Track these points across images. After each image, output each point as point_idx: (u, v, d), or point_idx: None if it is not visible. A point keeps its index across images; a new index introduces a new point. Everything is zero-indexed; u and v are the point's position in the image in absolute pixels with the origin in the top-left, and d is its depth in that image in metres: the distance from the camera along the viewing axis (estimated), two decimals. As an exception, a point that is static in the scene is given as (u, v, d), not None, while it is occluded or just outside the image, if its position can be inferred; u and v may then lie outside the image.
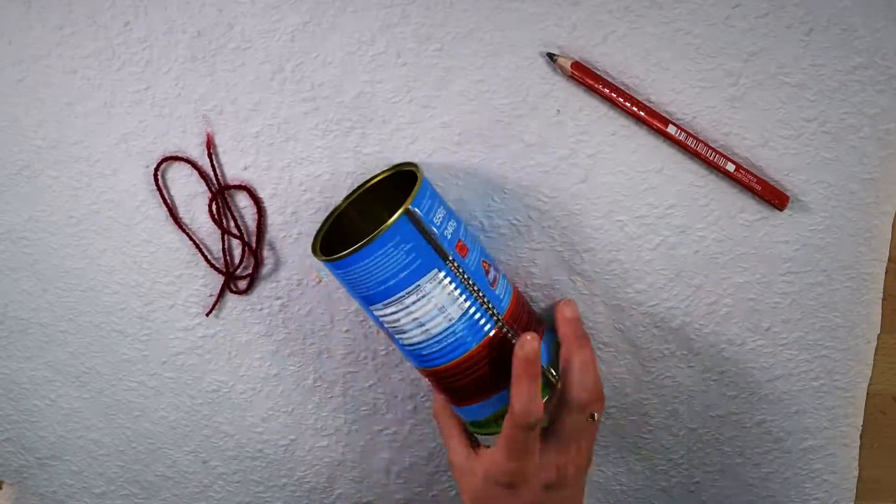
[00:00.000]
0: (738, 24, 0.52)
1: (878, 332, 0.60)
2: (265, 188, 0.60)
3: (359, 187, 0.58)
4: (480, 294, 0.53)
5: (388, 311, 0.52)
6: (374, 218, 0.56)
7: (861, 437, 0.64)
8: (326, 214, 0.57)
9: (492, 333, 0.53)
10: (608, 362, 0.63)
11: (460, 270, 0.52)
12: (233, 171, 0.59)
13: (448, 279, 0.51)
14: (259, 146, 0.58)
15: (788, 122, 0.54)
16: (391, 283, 0.51)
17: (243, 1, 0.54)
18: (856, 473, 0.65)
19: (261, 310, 0.64)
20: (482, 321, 0.53)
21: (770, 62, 0.53)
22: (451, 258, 0.51)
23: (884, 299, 0.59)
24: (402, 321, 0.52)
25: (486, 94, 0.56)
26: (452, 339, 0.52)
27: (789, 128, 0.54)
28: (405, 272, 0.50)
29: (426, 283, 0.51)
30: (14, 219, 0.62)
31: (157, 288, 0.64)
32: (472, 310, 0.52)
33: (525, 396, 0.51)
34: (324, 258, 0.52)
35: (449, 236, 0.51)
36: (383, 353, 0.65)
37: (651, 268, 0.60)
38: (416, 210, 0.50)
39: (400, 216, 0.49)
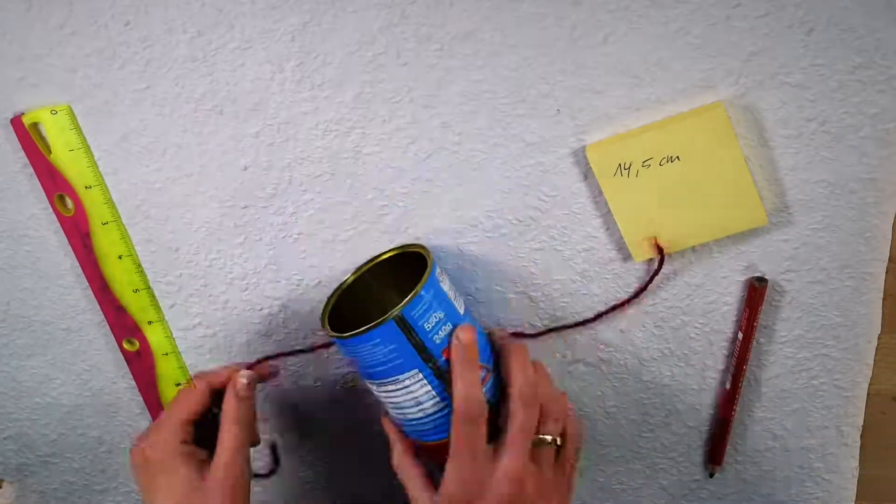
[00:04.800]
0: (738, 24, 0.52)
1: (879, 331, 0.60)
2: (265, 188, 0.60)
3: (371, 259, 0.61)
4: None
5: (374, 388, 0.55)
6: (387, 285, 0.60)
7: (861, 436, 0.64)
8: (337, 285, 0.60)
9: (444, 440, 0.54)
10: (608, 362, 0.63)
11: (440, 372, 0.53)
12: (233, 171, 0.59)
13: (426, 380, 0.53)
14: (259, 146, 0.58)
15: (788, 122, 0.54)
16: (376, 369, 0.53)
17: (243, 1, 0.54)
18: (856, 473, 0.65)
19: (261, 310, 0.64)
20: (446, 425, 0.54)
21: (770, 62, 0.52)
22: (434, 363, 0.53)
23: (884, 299, 0.59)
24: (387, 400, 0.55)
25: (486, 94, 0.55)
26: (425, 428, 0.54)
27: (789, 128, 0.54)
28: (386, 367, 0.53)
29: (406, 379, 0.53)
30: (16, 217, 0.62)
31: (157, 287, 0.64)
32: (448, 409, 0.54)
33: (463, 383, 0.51)
34: (327, 331, 0.54)
35: (438, 342, 0.53)
36: (383, 352, 0.65)
37: (651, 268, 0.60)
38: (407, 317, 0.51)
39: (387, 321, 0.51)
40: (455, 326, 0.53)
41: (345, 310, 0.58)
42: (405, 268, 0.60)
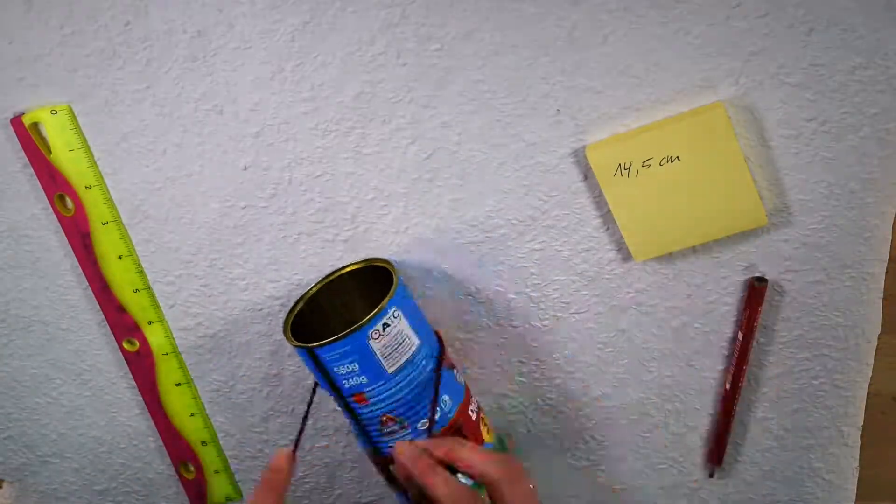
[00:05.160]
0: (738, 24, 0.52)
1: (879, 331, 0.60)
2: (265, 188, 0.60)
3: (336, 271, 0.62)
4: (366, 436, 0.56)
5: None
6: (352, 296, 0.62)
7: (861, 436, 0.64)
8: (300, 295, 0.61)
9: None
10: (608, 362, 0.63)
11: (351, 410, 0.55)
12: (233, 171, 0.59)
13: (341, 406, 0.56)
14: (259, 146, 0.58)
15: (788, 122, 0.54)
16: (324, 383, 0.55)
17: (243, 1, 0.54)
18: (856, 473, 0.65)
19: (261, 310, 0.64)
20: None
21: (770, 62, 0.52)
22: (346, 400, 0.55)
23: (884, 299, 0.59)
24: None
25: (486, 94, 0.56)
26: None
27: (789, 128, 0.54)
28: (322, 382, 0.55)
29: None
30: (16, 217, 0.63)
31: (157, 287, 0.64)
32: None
33: (440, 489, 0.47)
34: (290, 339, 0.56)
35: (348, 386, 0.54)
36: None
37: (651, 268, 0.60)
38: (321, 354, 0.53)
39: (301, 348, 0.54)
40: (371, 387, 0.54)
41: (309, 319, 0.60)
42: (372, 280, 0.61)
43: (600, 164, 0.56)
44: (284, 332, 0.57)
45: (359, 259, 0.62)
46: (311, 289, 0.61)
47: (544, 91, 0.55)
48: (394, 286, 0.54)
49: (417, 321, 0.55)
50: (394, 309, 0.54)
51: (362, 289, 0.62)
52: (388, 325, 0.53)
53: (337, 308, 0.61)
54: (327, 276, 0.62)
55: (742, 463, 0.66)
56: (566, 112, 0.55)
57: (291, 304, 0.61)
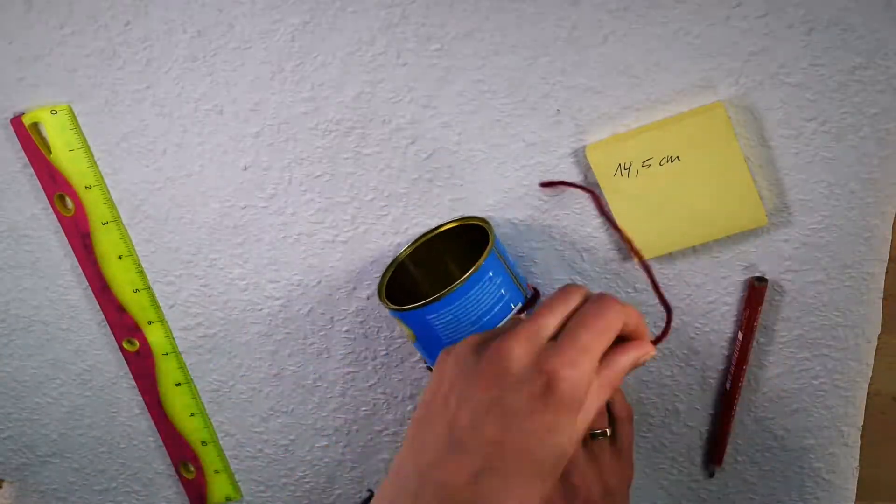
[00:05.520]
0: (738, 24, 0.52)
1: (879, 331, 0.60)
2: (265, 188, 0.60)
3: (419, 238, 0.60)
4: None
5: None
6: (432, 268, 0.60)
7: (861, 436, 0.64)
8: (386, 265, 0.60)
9: None
10: (608, 362, 0.63)
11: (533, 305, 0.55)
12: (233, 171, 0.59)
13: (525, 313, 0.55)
14: (259, 146, 0.58)
15: (788, 122, 0.54)
16: (486, 319, 0.53)
17: (243, 1, 0.54)
18: (856, 473, 0.65)
19: (261, 310, 0.64)
20: None
21: (770, 62, 0.52)
22: (526, 295, 0.55)
23: (884, 299, 0.59)
24: None
25: (486, 94, 0.55)
26: None
27: (789, 128, 0.54)
28: (499, 305, 0.53)
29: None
30: (16, 217, 0.63)
31: (157, 287, 0.64)
32: None
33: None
34: (415, 305, 0.53)
35: (521, 274, 0.56)
36: (383, 353, 0.65)
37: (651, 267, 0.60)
38: (498, 247, 0.54)
39: (490, 252, 0.52)
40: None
41: (389, 291, 0.58)
42: (448, 255, 0.61)
43: (600, 164, 0.56)
44: (381, 298, 0.56)
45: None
46: (398, 255, 0.60)
47: (544, 91, 0.55)
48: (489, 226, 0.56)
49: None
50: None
51: (438, 255, 0.61)
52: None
53: (417, 276, 0.61)
54: (411, 244, 0.60)
55: (742, 463, 0.66)
56: (566, 112, 0.55)
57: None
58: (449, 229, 0.60)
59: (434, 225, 0.60)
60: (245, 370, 0.66)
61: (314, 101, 0.57)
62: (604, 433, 0.55)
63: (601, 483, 0.54)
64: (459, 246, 0.59)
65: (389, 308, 0.54)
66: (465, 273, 0.52)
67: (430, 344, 0.55)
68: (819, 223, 0.57)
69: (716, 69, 0.53)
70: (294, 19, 0.55)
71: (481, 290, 0.52)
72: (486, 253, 0.52)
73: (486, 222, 0.57)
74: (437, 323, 0.53)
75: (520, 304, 0.54)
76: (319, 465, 0.70)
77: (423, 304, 0.52)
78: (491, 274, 0.52)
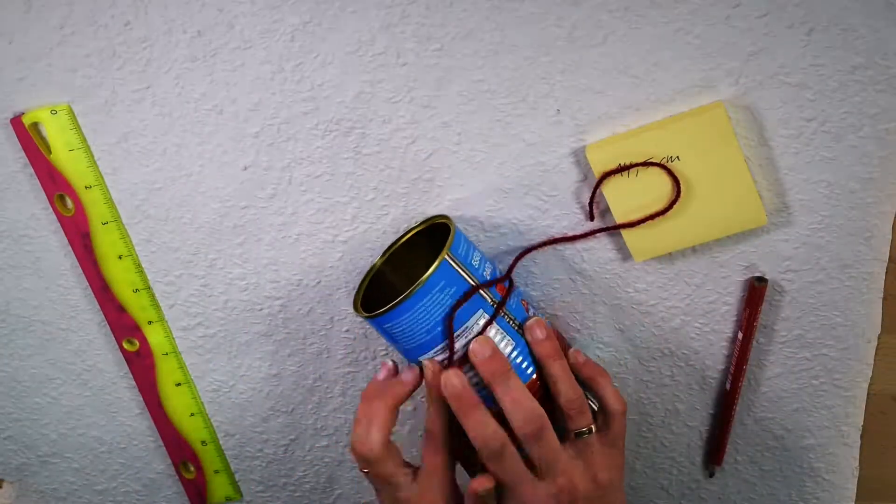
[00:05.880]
0: (738, 24, 0.52)
1: (879, 331, 0.60)
2: (265, 188, 0.60)
3: (393, 244, 0.60)
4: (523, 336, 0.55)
5: (440, 358, 0.54)
6: (407, 273, 0.58)
7: (861, 436, 0.64)
8: (363, 274, 0.59)
9: (534, 377, 0.56)
10: (608, 362, 0.63)
11: (504, 310, 0.54)
12: (233, 171, 0.59)
13: (490, 319, 0.54)
14: (259, 146, 0.58)
15: (788, 122, 0.54)
16: (439, 329, 0.53)
17: (243, 1, 0.54)
18: (856, 473, 0.65)
19: (261, 310, 0.64)
20: (524, 364, 0.55)
21: (770, 62, 0.52)
22: (492, 298, 0.54)
23: (884, 299, 0.59)
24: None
25: (486, 94, 0.55)
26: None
27: (789, 128, 0.54)
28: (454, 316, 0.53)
29: (473, 325, 0.53)
30: (16, 216, 0.63)
31: (157, 287, 0.64)
32: (515, 353, 0.55)
33: (476, 428, 0.52)
34: (368, 314, 0.53)
35: (488, 277, 0.54)
36: (383, 353, 0.65)
37: (651, 268, 0.60)
38: (455, 254, 0.53)
39: (441, 261, 0.52)
40: (494, 266, 0.55)
41: (370, 301, 0.58)
42: (423, 256, 0.60)
43: (600, 164, 0.55)
44: (356, 308, 0.56)
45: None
46: (374, 263, 0.60)
47: (544, 91, 0.55)
48: (452, 224, 0.56)
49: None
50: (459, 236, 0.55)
51: (413, 258, 0.61)
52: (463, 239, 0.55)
53: (395, 281, 0.60)
54: (386, 250, 0.60)
55: (742, 463, 0.66)
56: (566, 112, 0.55)
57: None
58: (423, 230, 0.60)
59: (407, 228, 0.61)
60: (245, 370, 0.67)
61: (314, 101, 0.57)
62: (589, 430, 0.55)
63: (589, 479, 0.54)
64: (434, 245, 0.58)
65: (361, 316, 0.55)
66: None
67: (398, 347, 0.55)
68: (819, 223, 0.57)
69: (716, 69, 0.53)
70: (294, 19, 0.54)
71: (431, 301, 0.52)
72: (432, 268, 0.51)
73: (451, 221, 0.57)
74: (395, 331, 0.53)
75: (486, 317, 0.54)
76: (319, 465, 0.70)
77: (376, 315, 0.53)
78: (443, 283, 0.52)
